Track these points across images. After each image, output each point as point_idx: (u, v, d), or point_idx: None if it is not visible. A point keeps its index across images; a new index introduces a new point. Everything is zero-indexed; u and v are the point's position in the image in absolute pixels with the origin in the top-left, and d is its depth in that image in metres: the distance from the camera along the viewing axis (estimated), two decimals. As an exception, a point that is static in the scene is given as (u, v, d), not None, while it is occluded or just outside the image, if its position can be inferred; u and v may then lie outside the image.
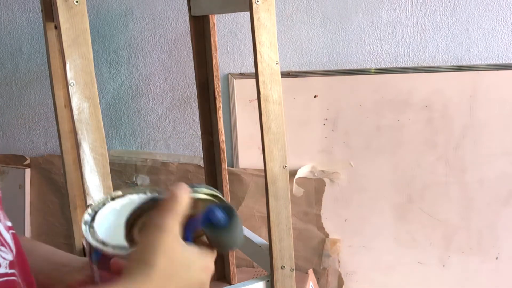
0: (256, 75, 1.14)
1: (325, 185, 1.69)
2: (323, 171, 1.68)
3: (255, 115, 1.25)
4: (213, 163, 1.58)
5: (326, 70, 1.62)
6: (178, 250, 0.51)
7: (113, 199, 0.60)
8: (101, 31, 1.72)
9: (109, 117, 1.79)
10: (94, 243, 0.55)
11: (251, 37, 1.12)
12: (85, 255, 0.64)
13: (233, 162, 1.73)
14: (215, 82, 1.50)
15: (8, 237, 0.52)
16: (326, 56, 1.62)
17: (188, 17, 1.48)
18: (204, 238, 0.55)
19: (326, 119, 1.65)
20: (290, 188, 1.59)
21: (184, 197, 0.52)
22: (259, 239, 1.37)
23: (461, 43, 1.55)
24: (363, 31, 1.58)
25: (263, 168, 1.19)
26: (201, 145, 1.59)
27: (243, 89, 1.67)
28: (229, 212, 0.53)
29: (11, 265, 0.50)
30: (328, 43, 1.61)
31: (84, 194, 1.05)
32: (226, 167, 1.57)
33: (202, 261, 0.54)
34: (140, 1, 1.68)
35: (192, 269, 0.52)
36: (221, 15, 1.62)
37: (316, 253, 1.73)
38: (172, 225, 0.51)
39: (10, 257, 0.51)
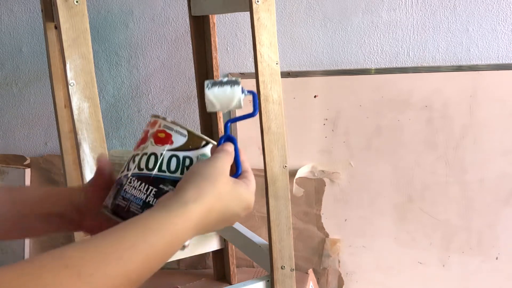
0: (256, 75, 1.14)
1: (325, 185, 1.69)
2: (323, 171, 1.68)
3: (255, 115, 1.24)
4: (213, 163, 1.58)
5: (326, 70, 1.62)
6: (228, 184, 0.54)
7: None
8: (101, 31, 1.72)
9: (109, 117, 1.79)
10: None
11: (251, 37, 1.12)
12: None
13: (233, 162, 1.73)
14: (215, 82, 1.49)
15: None
16: (326, 56, 1.62)
17: (188, 17, 1.48)
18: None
19: (326, 119, 1.64)
20: (290, 188, 1.58)
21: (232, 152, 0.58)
22: (259, 239, 1.37)
23: (461, 43, 1.55)
24: (363, 31, 1.58)
25: (263, 168, 1.19)
26: (201, 145, 1.58)
27: (243, 89, 1.67)
28: None
29: None
30: (328, 43, 1.61)
31: (84, 194, 1.05)
32: (226, 167, 1.56)
33: (247, 200, 0.56)
34: (140, 1, 1.68)
35: (236, 206, 0.55)
36: (221, 15, 1.62)
37: (316, 253, 1.73)
38: (224, 164, 0.55)
39: None
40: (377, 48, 1.59)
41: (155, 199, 0.57)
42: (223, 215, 0.54)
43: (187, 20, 1.51)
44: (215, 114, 1.53)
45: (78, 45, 1.00)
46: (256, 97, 0.64)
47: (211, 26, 1.45)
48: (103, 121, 1.05)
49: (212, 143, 0.60)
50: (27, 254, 1.87)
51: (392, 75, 1.59)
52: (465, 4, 1.52)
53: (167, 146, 0.59)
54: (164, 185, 0.58)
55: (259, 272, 1.71)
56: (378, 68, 1.60)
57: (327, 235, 1.73)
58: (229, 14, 1.62)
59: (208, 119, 1.55)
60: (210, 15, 1.44)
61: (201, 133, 0.65)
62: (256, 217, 1.73)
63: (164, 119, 0.61)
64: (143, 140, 0.61)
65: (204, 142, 0.60)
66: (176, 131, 0.59)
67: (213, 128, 1.54)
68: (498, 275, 1.66)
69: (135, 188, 0.58)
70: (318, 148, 1.67)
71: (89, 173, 1.05)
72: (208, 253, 1.69)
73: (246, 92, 0.61)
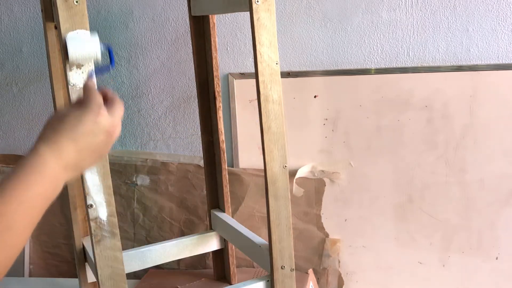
0: (256, 75, 1.14)
1: (325, 185, 1.69)
2: (323, 171, 1.68)
3: (255, 115, 1.25)
4: (213, 163, 1.58)
5: (326, 70, 1.62)
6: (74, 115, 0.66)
7: None
8: (101, 31, 1.72)
9: (109, 117, 1.79)
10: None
11: (251, 37, 1.12)
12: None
13: (233, 162, 1.73)
14: (215, 82, 1.49)
15: None
16: (326, 56, 1.62)
17: (188, 17, 1.48)
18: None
19: (326, 119, 1.65)
20: (290, 188, 1.59)
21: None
22: (259, 239, 1.37)
23: (461, 43, 1.55)
24: (363, 31, 1.58)
25: (263, 168, 1.19)
26: (201, 145, 1.59)
27: (243, 89, 1.67)
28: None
29: None
30: (328, 43, 1.61)
31: (84, 194, 1.05)
32: (226, 167, 1.57)
33: (104, 123, 0.67)
34: (140, 1, 1.68)
35: (90, 130, 0.66)
36: (221, 15, 1.62)
37: (316, 253, 1.73)
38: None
39: None
40: (377, 48, 1.59)
41: None
42: (81, 144, 0.64)
43: (187, 20, 1.52)
44: (215, 114, 1.53)
45: (78, 45, 0.99)
46: (111, 52, 0.81)
47: (211, 26, 1.45)
48: (103, 121, 1.04)
49: None
50: (27, 255, 1.87)
51: (392, 75, 1.59)
52: (465, 4, 1.53)
53: None
54: None
55: (259, 272, 1.71)
56: (378, 68, 1.60)
57: (327, 235, 1.73)
58: (229, 14, 1.62)
59: (208, 119, 1.55)
60: (210, 15, 1.44)
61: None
62: (256, 217, 1.73)
63: None
64: None
65: None
66: None
67: (213, 128, 1.54)
68: (498, 275, 1.67)
69: None
70: (318, 148, 1.67)
71: (88, 173, 1.05)
72: (208, 253, 1.69)
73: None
